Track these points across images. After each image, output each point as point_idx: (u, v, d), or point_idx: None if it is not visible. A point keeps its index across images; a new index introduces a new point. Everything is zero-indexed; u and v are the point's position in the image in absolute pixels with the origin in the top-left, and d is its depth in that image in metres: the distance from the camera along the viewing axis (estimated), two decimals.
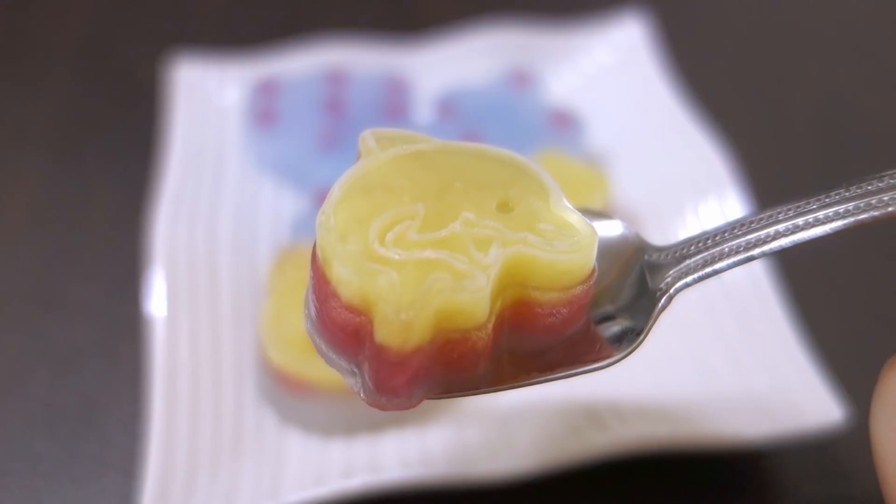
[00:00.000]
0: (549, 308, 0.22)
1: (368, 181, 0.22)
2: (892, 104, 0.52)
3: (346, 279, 0.20)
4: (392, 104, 0.47)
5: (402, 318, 0.19)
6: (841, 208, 0.22)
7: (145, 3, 0.57)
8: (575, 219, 0.22)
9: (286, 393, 0.35)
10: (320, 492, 0.32)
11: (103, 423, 0.37)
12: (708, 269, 0.23)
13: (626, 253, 0.25)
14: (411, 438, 0.35)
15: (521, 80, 0.48)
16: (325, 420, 0.35)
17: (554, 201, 0.22)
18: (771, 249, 0.23)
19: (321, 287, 0.21)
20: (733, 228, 0.24)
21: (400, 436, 0.35)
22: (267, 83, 0.47)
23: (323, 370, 0.34)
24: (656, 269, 0.24)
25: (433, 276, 0.20)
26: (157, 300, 0.37)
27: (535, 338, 0.22)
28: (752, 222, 0.23)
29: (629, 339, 0.23)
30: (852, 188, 0.22)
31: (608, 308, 0.24)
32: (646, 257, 0.24)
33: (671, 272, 0.24)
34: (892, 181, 0.22)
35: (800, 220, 0.23)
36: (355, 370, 0.22)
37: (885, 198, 0.22)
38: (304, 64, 0.48)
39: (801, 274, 0.41)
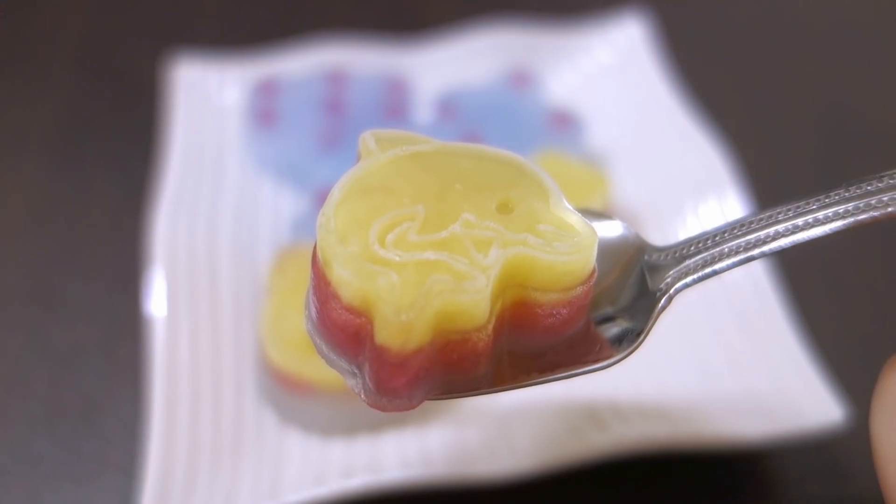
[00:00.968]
0: (549, 309, 0.22)
1: (368, 183, 0.22)
2: (892, 104, 0.52)
3: (347, 281, 0.20)
4: (392, 104, 0.47)
5: (403, 320, 0.19)
6: (840, 209, 0.22)
7: (145, 3, 0.57)
8: (575, 220, 0.22)
9: (286, 393, 0.35)
10: (320, 492, 0.32)
11: (103, 423, 0.37)
12: (707, 270, 0.23)
13: (626, 253, 0.25)
14: (411, 438, 0.35)
15: (521, 80, 0.48)
16: (325, 420, 0.35)
17: (554, 202, 0.22)
18: (771, 250, 0.23)
19: (322, 288, 0.21)
20: (733, 229, 0.24)
21: (400, 436, 0.35)
22: (267, 83, 0.47)
23: (323, 370, 0.35)
24: (656, 269, 0.24)
25: (433, 278, 0.20)
26: (157, 300, 0.37)
27: (535, 338, 0.22)
28: (751, 222, 0.23)
29: (629, 339, 0.23)
30: (852, 188, 0.22)
31: (608, 308, 0.24)
32: (645, 257, 0.24)
33: (671, 272, 0.24)
34: (891, 181, 0.22)
35: (799, 221, 0.23)
36: (356, 371, 0.22)
37: (885, 198, 0.22)
38: (304, 64, 0.48)
39: (801, 274, 0.41)
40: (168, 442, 0.33)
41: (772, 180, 0.46)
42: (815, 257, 0.43)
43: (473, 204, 0.22)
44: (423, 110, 0.48)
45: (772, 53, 0.56)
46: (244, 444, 0.35)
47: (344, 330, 0.21)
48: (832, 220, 0.22)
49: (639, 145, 0.46)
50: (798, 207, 0.23)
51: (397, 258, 0.20)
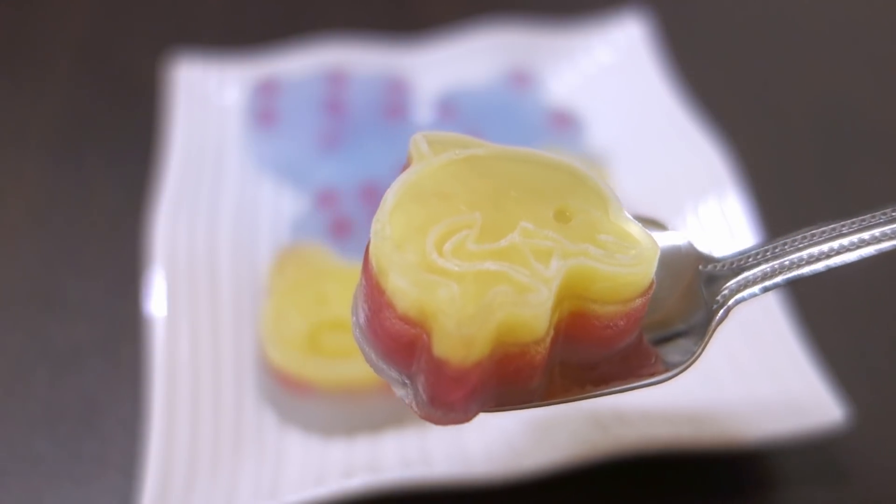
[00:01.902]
0: (606, 320, 0.21)
1: (423, 188, 0.21)
2: (893, 104, 0.52)
3: (404, 290, 0.19)
4: (392, 104, 0.47)
5: (464, 333, 0.19)
6: None
7: (145, 3, 0.57)
8: (636, 230, 0.21)
9: (286, 393, 0.35)
10: (320, 492, 0.32)
11: (103, 423, 0.37)
12: (768, 283, 0.23)
13: (679, 263, 0.24)
14: (411, 438, 0.35)
15: (521, 80, 0.48)
16: (325, 420, 0.35)
17: (613, 211, 0.22)
18: (836, 264, 0.22)
19: (375, 297, 0.20)
20: (794, 241, 0.23)
21: (400, 436, 0.35)
22: (267, 83, 0.47)
23: (323, 370, 0.35)
24: (712, 280, 0.23)
25: (495, 290, 0.19)
26: (157, 300, 0.37)
27: (589, 350, 0.22)
28: (814, 234, 0.23)
29: (683, 351, 0.23)
30: None
31: (661, 320, 0.23)
32: (700, 268, 0.24)
33: (728, 284, 0.23)
34: None
35: (865, 235, 0.22)
36: (406, 381, 0.21)
37: None
38: (304, 64, 0.48)
39: None
40: (168, 442, 0.33)
41: (771, 180, 0.46)
42: None
43: (530, 211, 0.21)
44: (423, 110, 0.48)
45: (772, 53, 0.56)
46: (244, 444, 0.35)
47: (397, 340, 0.20)
48: None
49: (639, 145, 0.46)
50: (863, 221, 0.22)
51: (456, 268, 0.20)
